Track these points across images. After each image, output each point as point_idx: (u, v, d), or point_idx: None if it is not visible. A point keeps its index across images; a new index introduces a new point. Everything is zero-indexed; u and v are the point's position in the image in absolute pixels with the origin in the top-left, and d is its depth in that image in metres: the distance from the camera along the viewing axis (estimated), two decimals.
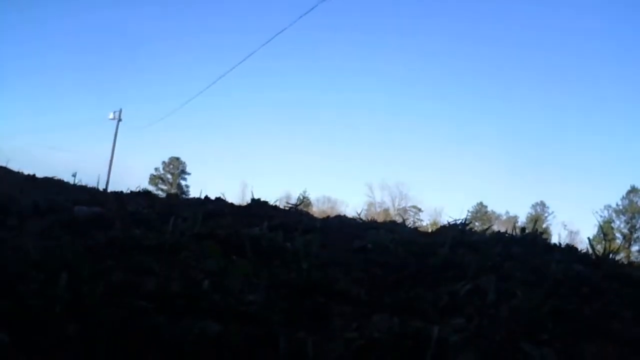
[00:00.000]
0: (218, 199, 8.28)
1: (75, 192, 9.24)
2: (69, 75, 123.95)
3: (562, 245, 5.62)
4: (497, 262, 4.08)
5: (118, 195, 8.65)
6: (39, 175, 12.59)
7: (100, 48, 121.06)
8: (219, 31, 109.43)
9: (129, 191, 9.82)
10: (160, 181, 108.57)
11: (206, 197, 8.44)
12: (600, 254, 5.14)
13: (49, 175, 12.67)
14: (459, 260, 4.03)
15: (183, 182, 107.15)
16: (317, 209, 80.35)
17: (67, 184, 11.49)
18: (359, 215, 7.30)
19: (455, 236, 4.99)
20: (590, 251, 5.32)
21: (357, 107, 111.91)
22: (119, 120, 56.84)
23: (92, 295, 2.76)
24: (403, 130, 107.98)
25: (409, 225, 7.47)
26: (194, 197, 8.89)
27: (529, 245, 5.15)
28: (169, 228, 4.88)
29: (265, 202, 7.51)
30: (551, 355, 2.30)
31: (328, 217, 7.84)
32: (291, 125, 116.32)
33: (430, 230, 7.37)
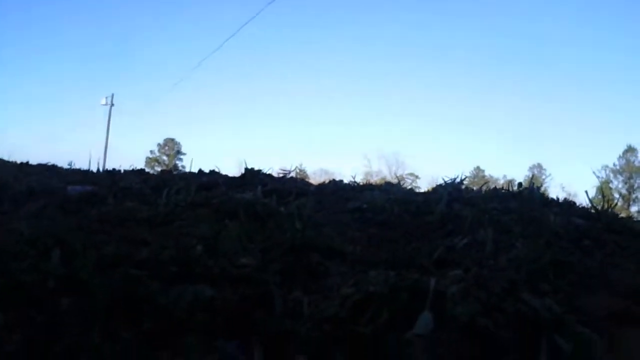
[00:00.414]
0: (212, 172, 8.19)
1: (70, 175, 9.21)
2: (56, 61, 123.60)
3: (560, 200, 5.57)
4: (494, 216, 4.04)
5: (111, 173, 8.58)
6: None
7: (88, 31, 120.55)
8: (205, 8, 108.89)
9: (122, 170, 9.78)
10: (156, 163, 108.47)
11: (200, 170, 8.36)
12: (600, 208, 5.10)
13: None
14: (455, 216, 3.99)
15: (179, 163, 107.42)
16: (314, 181, 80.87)
17: (62, 168, 11.42)
18: (353, 179, 7.21)
19: (452, 193, 4.94)
20: (590, 205, 5.27)
21: (352, 76, 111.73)
22: (112, 105, 55.83)
23: (85, 267, 2.71)
24: (398, 98, 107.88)
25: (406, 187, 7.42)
26: (188, 172, 8.80)
27: (526, 200, 5.09)
28: (162, 200, 4.84)
29: (259, 171, 7.42)
30: (554, 306, 2.24)
31: (324, 182, 7.76)
32: (284, 99, 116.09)
33: (426, 190, 7.28)
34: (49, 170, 11.09)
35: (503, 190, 5.71)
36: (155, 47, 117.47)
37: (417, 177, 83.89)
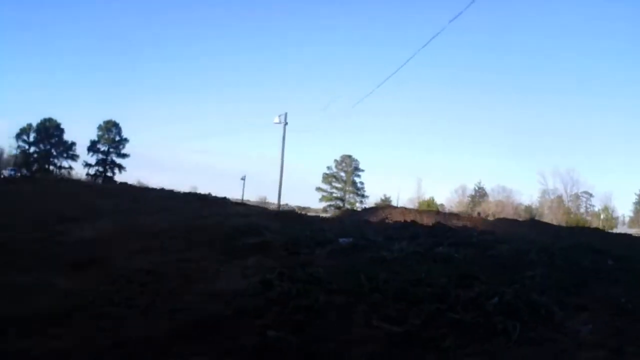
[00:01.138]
0: (413, 223, 13.05)
1: (320, 223, 14.17)
2: (231, 80, 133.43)
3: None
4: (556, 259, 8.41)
5: (358, 227, 13.63)
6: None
7: (262, 50, 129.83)
8: (385, 28, 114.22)
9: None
10: (334, 179, 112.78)
11: (405, 221, 13.24)
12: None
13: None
14: (537, 260, 8.39)
15: (357, 179, 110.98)
16: (493, 199, 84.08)
17: (308, 216, 16.30)
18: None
19: (545, 245, 9.30)
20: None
21: (526, 94, 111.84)
22: (285, 123, 58.41)
23: (381, 280, 7.48)
24: (573, 115, 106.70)
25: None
26: (398, 222, 13.63)
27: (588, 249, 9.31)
28: (396, 247, 9.62)
29: (444, 225, 12.14)
30: (534, 295, 6.60)
31: (482, 231, 12.33)
32: (462, 116, 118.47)
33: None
34: (295, 218, 16.12)
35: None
36: (331, 67, 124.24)
37: (590, 195, 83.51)
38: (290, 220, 14.80)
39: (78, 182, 35.91)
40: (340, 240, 10.98)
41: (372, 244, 10.49)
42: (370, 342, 5.32)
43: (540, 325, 5.64)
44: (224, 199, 19.27)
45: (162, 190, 22.95)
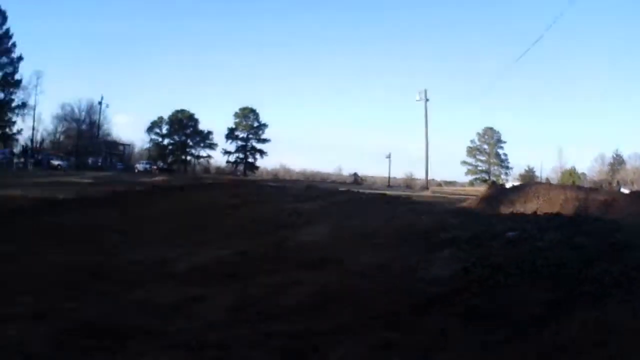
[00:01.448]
0: (558, 214, 17.38)
1: (489, 218, 17.79)
2: (371, 58, 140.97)
3: None
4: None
5: (519, 221, 18.42)
6: None
7: (401, 28, 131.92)
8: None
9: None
10: (478, 152, 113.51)
11: (552, 213, 17.64)
12: None
13: None
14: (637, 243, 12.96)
15: (500, 151, 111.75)
16: (631, 167, 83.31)
17: (482, 213, 20.02)
18: None
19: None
20: None
21: None
22: (426, 100, 61.04)
23: (537, 265, 12.35)
24: None
25: None
26: (547, 214, 17.73)
27: None
28: (545, 237, 14.25)
29: (581, 216, 16.47)
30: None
31: (607, 220, 16.63)
32: (599, 83, 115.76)
33: None
34: (472, 214, 20.15)
35: None
36: (469, 42, 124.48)
37: None
38: (467, 215, 18.37)
39: (267, 185, 39.82)
40: (508, 234, 15.29)
41: (530, 236, 14.45)
42: (534, 304, 7.06)
43: (635, 291, 6.94)
44: (407, 197, 23.71)
45: (348, 192, 27.97)
